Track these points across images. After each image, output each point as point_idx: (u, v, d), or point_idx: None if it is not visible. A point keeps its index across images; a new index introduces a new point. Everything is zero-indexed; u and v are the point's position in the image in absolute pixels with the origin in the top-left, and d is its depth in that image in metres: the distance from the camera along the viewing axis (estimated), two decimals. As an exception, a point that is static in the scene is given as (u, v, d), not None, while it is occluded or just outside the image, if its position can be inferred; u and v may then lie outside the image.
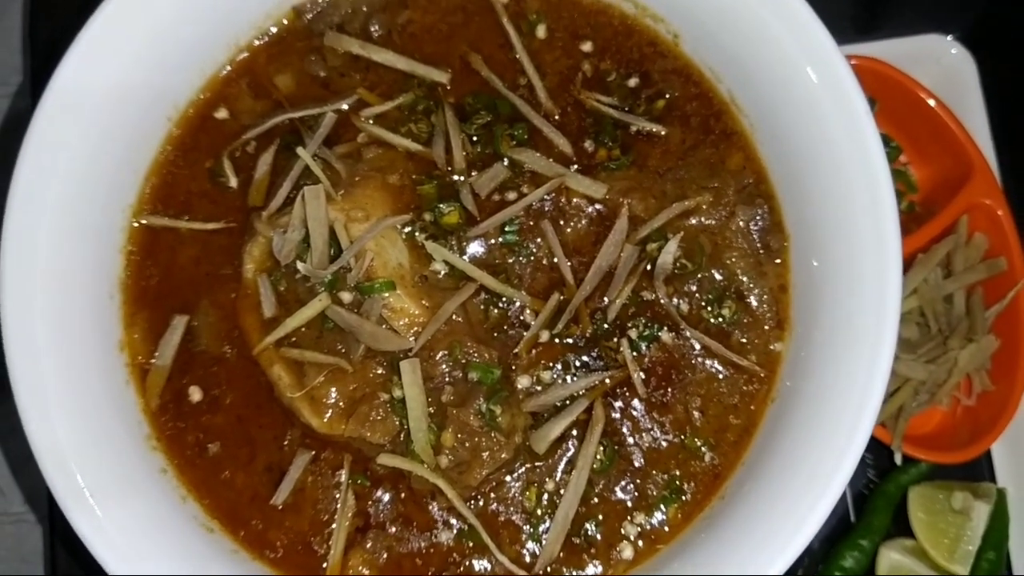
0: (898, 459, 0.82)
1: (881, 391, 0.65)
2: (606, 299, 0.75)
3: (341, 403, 0.71)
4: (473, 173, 0.76)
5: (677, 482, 0.72)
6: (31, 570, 0.89)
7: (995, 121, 0.90)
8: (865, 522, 0.84)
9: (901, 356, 0.82)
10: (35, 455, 0.64)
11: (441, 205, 0.75)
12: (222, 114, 0.78)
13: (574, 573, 0.71)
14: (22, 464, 0.91)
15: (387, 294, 0.71)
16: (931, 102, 0.88)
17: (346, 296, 0.72)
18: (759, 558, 0.63)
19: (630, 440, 0.73)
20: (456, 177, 0.76)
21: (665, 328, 0.74)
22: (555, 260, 0.75)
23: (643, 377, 0.73)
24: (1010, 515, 0.83)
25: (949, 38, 0.91)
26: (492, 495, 0.72)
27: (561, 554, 0.71)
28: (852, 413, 0.65)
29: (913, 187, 0.90)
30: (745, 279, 0.75)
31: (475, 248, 0.75)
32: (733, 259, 0.75)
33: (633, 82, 0.79)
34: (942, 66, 0.91)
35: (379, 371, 0.71)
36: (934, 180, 0.90)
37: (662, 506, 0.72)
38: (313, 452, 0.72)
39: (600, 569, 0.71)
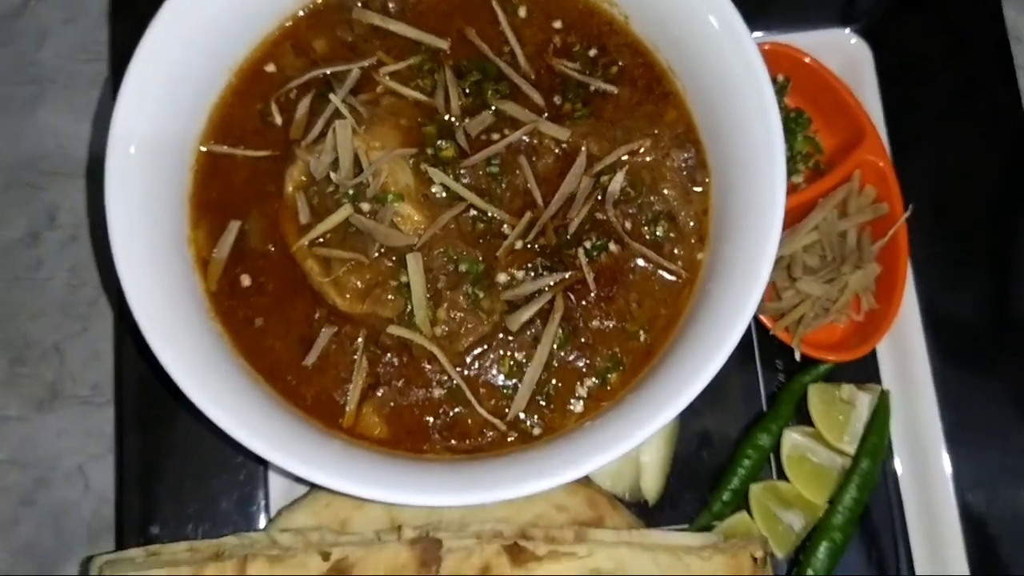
0: (797, 356, 1.00)
1: (762, 285, 0.83)
2: (568, 218, 0.91)
3: (360, 287, 0.89)
4: (466, 119, 0.93)
5: (618, 356, 0.90)
6: (95, 444, 1.08)
7: (885, 98, 1.08)
8: (774, 412, 1.03)
9: (804, 277, 1.01)
10: (134, 314, 0.81)
11: (440, 142, 0.92)
12: (271, 68, 0.95)
13: (536, 421, 0.91)
14: (89, 360, 1.10)
15: (397, 204, 0.91)
16: (834, 82, 1.07)
17: (365, 206, 0.90)
18: (673, 400, 0.82)
19: (582, 324, 0.90)
20: (453, 121, 0.93)
21: (612, 241, 0.91)
22: (528, 187, 0.92)
23: (594, 277, 0.90)
24: (891, 407, 1.03)
25: (848, 31, 1.10)
26: (475, 363, 0.89)
27: (526, 408, 0.89)
28: (740, 302, 0.83)
29: (820, 149, 1.09)
30: (676, 204, 0.93)
31: (466, 176, 0.92)
32: (667, 189, 0.93)
33: (593, 52, 0.96)
34: (844, 54, 1.09)
35: (389, 264, 0.89)
36: (836, 144, 1.08)
37: (606, 374, 0.90)
38: (336, 327, 0.90)
39: (557, 419, 0.91)
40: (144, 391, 1.02)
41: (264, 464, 1.01)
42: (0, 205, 1.13)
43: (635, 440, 0.80)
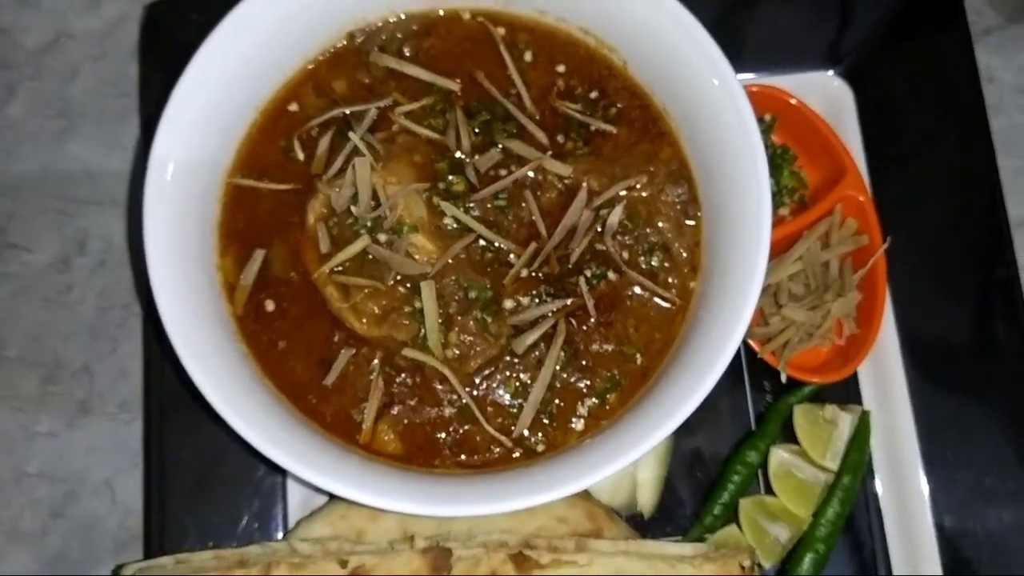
0: (783, 379, 1.07)
1: (750, 313, 0.88)
2: (570, 248, 0.98)
3: (376, 312, 0.95)
4: (476, 156, 0.99)
5: (616, 378, 0.97)
6: (122, 459, 1.14)
7: (865, 136, 1.15)
8: (761, 430, 1.09)
9: (789, 304, 1.08)
10: (167, 331, 0.87)
11: (452, 177, 0.98)
12: (294, 107, 1.02)
13: (540, 438, 0.98)
14: (118, 379, 1.16)
15: (411, 236, 0.97)
16: (818, 121, 1.13)
17: (381, 237, 0.96)
18: (667, 420, 0.89)
19: (583, 348, 0.97)
20: (463, 157, 0.99)
21: (611, 270, 0.98)
22: (533, 219, 0.98)
23: (594, 304, 0.96)
24: (871, 426, 1.09)
25: (831, 73, 1.17)
26: (483, 383, 0.96)
27: (530, 426, 0.95)
28: (730, 327, 0.89)
29: (805, 184, 1.16)
30: (670, 236, 1.00)
31: (475, 209, 0.98)
32: (662, 222, 1.00)
33: (594, 94, 1.03)
34: (827, 94, 1.16)
35: (404, 290, 0.96)
36: (819, 179, 1.15)
37: (605, 394, 0.96)
38: (354, 349, 0.96)
39: (559, 436, 0.97)
40: (171, 408, 1.08)
41: (283, 477, 1.07)
42: (33, 232, 1.20)
43: (631, 457, 0.86)
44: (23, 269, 1.19)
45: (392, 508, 0.84)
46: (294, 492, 1.07)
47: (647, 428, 0.88)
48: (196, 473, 1.07)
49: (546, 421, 0.96)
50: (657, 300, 0.99)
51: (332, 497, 1.04)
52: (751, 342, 1.09)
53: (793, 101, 1.14)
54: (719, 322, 0.92)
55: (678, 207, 1.01)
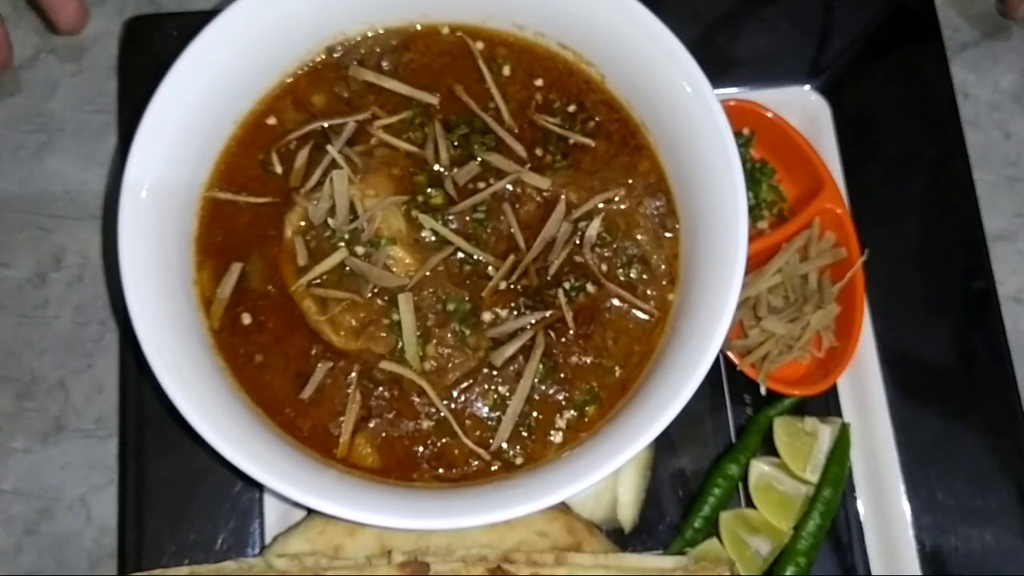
0: (763, 390, 1.07)
1: (726, 324, 0.88)
2: (548, 260, 0.98)
3: (354, 325, 0.95)
4: (454, 169, 0.99)
5: (595, 390, 0.96)
6: (98, 476, 1.12)
7: (843, 150, 1.16)
8: (742, 443, 1.09)
9: (768, 316, 1.09)
10: (142, 346, 0.87)
11: (430, 190, 0.99)
12: (272, 121, 1.02)
13: (519, 451, 0.97)
14: (93, 395, 1.15)
15: (389, 248, 0.97)
16: (796, 136, 1.14)
17: (359, 250, 0.96)
18: (645, 431, 0.88)
19: (562, 360, 0.96)
20: (441, 171, 1.00)
21: (590, 282, 0.98)
22: (512, 231, 0.98)
23: (572, 316, 0.96)
24: (851, 438, 1.10)
25: (808, 88, 1.18)
26: (461, 396, 0.95)
27: (509, 439, 0.95)
28: (707, 338, 0.89)
29: (783, 198, 1.17)
30: (648, 249, 1.00)
31: (454, 222, 0.98)
32: (640, 235, 1.00)
33: (572, 108, 1.03)
34: (804, 109, 1.17)
35: (382, 303, 0.95)
36: (798, 192, 1.16)
37: (584, 407, 0.96)
38: (331, 363, 0.95)
39: (538, 449, 0.97)
40: (147, 424, 1.07)
41: (261, 493, 1.06)
42: (9, 247, 1.19)
43: (610, 468, 0.86)
44: (-1, 284, 1.18)
45: (369, 521, 0.84)
46: (271, 509, 1.06)
47: (625, 440, 0.88)
48: (172, 490, 1.06)
49: (525, 434, 0.95)
50: (636, 312, 0.99)
51: (309, 512, 1.03)
52: (730, 354, 1.09)
53: (769, 115, 1.14)
54: (696, 333, 0.92)
55: (656, 220, 1.01)
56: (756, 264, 1.12)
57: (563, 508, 1.03)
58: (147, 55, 1.16)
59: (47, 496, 1.12)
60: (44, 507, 1.11)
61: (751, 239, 1.06)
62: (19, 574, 1.10)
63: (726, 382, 1.12)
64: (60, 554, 1.10)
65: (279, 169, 1.02)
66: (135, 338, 0.89)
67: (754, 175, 1.16)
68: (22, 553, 1.10)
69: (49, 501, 1.12)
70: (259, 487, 1.06)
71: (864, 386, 1.10)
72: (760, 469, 1.08)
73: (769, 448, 1.09)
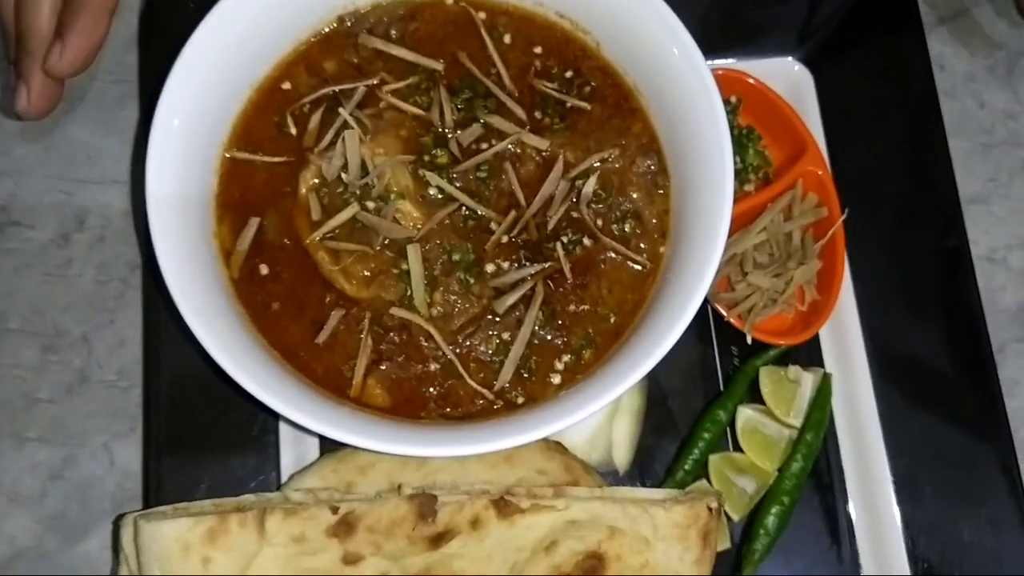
0: (749, 340, 1.14)
1: (712, 273, 0.94)
2: (547, 216, 1.03)
3: (365, 275, 1.01)
4: (458, 131, 1.05)
5: (591, 335, 1.02)
6: (120, 424, 1.19)
7: (824, 116, 1.23)
8: (729, 391, 1.15)
9: (754, 271, 1.15)
10: (171, 291, 0.93)
11: (436, 150, 1.04)
12: (286, 86, 1.07)
13: (520, 391, 1.03)
14: (115, 348, 1.21)
15: (398, 203, 1.03)
16: (780, 103, 1.20)
17: (370, 204, 1.02)
18: (636, 369, 0.94)
19: (560, 308, 1.02)
20: (446, 132, 1.05)
21: (586, 236, 1.04)
22: (513, 189, 1.04)
23: (570, 267, 1.02)
24: (832, 386, 1.16)
25: (791, 59, 1.25)
26: (466, 341, 1.01)
27: (510, 381, 1.01)
28: (695, 284, 0.95)
29: (769, 162, 1.23)
30: (641, 204, 1.06)
31: (458, 180, 1.04)
32: (633, 192, 1.06)
33: (569, 74, 1.09)
34: (789, 79, 1.24)
35: (391, 254, 1.01)
36: (782, 157, 1.22)
37: (581, 351, 1.02)
38: (344, 310, 1.01)
39: (538, 390, 1.03)
40: (169, 373, 1.13)
41: (276, 438, 1.12)
42: (34, 210, 1.25)
43: (604, 401, 0.92)
44: (24, 245, 1.24)
45: (380, 449, 0.90)
46: (287, 452, 1.12)
47: (618, 378, 0.94)
48: (193, 434, 1.12)
49: (526, 375, 1.02)
50: (629, 264, 1.05)
51: (323, 454, 1.10)
52: (719, 307, 1.15)
53: (755, 83, 1.21)
54: (685, 281, 0.98)
55: (648, 177, 1.07)
56: (743, 223, 1.18)
57: (561, 450, 1.09)
58: (166, 27, 1.22)
59: (71, 443, 1.18)
60: (68, 454, 1.18)
61: (738, 200, 1.14)
62: (45, 517, 1.16)
63: (715, 336, 1.19)
64: (84, 498, 1.16)
65: (293, 131, 1.07)
66: (159, 289, 0.95)
67: (741, 140, 1.22)
68: (47, 497, 1.16)
69: (73, 448, 1.18)
70: (275, 434, 1.12)
71: (844, 337, 1.17)
72: (746, 415, 1.14)
73: (755, 396, 1.16)
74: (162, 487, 1.09)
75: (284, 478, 1.11)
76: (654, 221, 1.06)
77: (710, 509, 0.99)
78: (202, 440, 1.12)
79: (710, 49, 1.02)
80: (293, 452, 1.12)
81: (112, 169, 1.27)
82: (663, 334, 0.95)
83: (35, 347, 1.20)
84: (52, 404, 1.19)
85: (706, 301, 1.15)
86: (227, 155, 1.06)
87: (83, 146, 1.28)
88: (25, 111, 0.95)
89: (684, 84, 1.03)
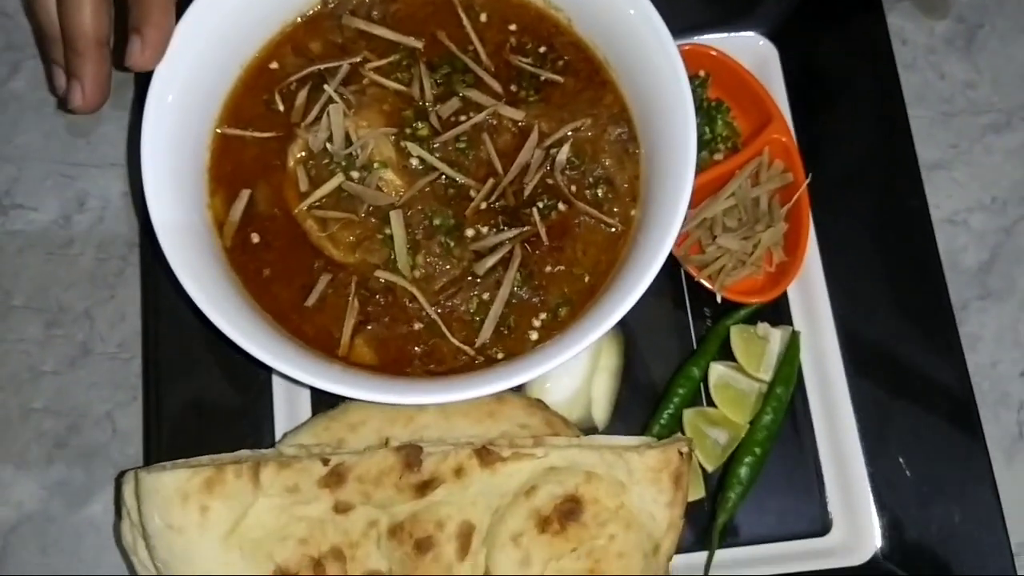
0: (719, 299, 1.19)
1: (676, 231, 0.99)
2: (524, 183, 1.08)
3: (351, 240, 1.06)
4: (438, 104, 1.10)
5: (567, 295, 1.07)
6: (122, 394, 1.24)
7: (790, 90, 1.28)
8: (702, 349, 1.20)
9: (723, 235, 1.21)
10: (168, 258, 0.98)
11: (417, 123, 1.09)
12: (274, 65, 1.12)
13: (499, 348, 1.08)
14: (116, 322, 1.27)
15: (381, 172, 1.09)
16: (747, 76, 1.26)
17: (354, 174, 1.07)
18: (606, 320, 0.99)
19: (537, 269, 1.07)
20: (427, 106, 1.10)
21: (561, 201, 1.08)
22: (490, 158, 1.09)
23: (546, 231, 1.07)
24: (800, 342, 1.22)
25: (755, 34, 1.31)
26: (448, 301, 1.06)
27: (490, 338, 1.08)
28: (661, 240, 0.99)
29: (737, 132, 1.27)
30: (612, 171, 1.10)
31: (439, 150, 1.09)
32: (605, 159, 1.10)
33: (543, 49, 1.14)
34: (755, 53, 1.29)
35: (375, 220, 1.06)
36: (750, 127, 1.27)
37: (557, 309, 1.07)
38: (332, 274, 1.06)
39: (517, 346, 1.09)
40: (167, 345, 1.19)
41: (270, 400, 1.18)
42: (36, 193, 1.31)
43: (576, 349, 0.97)
44: (28, 226, 1.29)
45: (369, 398, 0.96)
46: (280, 418, 1.18)
47: (591, 327, 0.99)
48: (190, 402, 1.18)
49: (505, 333, 1.07)
50: (602, 226, 1.10)
51: (314, 414, 1.15)
52: (690, 269, 1.21)
53: (714, 53, 1.26)
54: (653, 238, 1.03)
55: (619, 145, 1.12)
56: (712, 190, 1.24)
57: (542, 406, 1.14)
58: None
59: (75, 413, 1.23)
60: (73, 423, 1.23)
61: (708, 168, 1.20)
62: (50, 483, 1.21)
63: (688, 297, 1.24)
64: (88, 464, 1.22)
65: (281, 107, 1.12)
66: (162, 261, 1.00)
67: (710, 113, 1.27)
68: (53, 464, 1.22)
69: (77, 417, 1.23)
70: (269, 396, 1.18)
71: (810, 296, 1.22)
72: (719, 371, 1.20)
73: (727, 354, 1.21)
74: (162, 451, 1.15)
75: (278, 437, 1.16)
76: (625, 186, 1.12)
77: (681, 454, 1.04)
78: (199, 406, 1.17)
79: (681, 27, 1.07)
80: (287, 416, 1.17)
81: (110, 154, 1.33)
82: (631, 288, 1.00)
83: (39, 323, 1.26)
84: (56, 376, 1.24)
85: (679, 265, 1.22)
86: (218, 131, 1.12)
87: (83, 132, 1.33)
88: (81, 107, 1.04)
89: (651, 58, 1.08)
